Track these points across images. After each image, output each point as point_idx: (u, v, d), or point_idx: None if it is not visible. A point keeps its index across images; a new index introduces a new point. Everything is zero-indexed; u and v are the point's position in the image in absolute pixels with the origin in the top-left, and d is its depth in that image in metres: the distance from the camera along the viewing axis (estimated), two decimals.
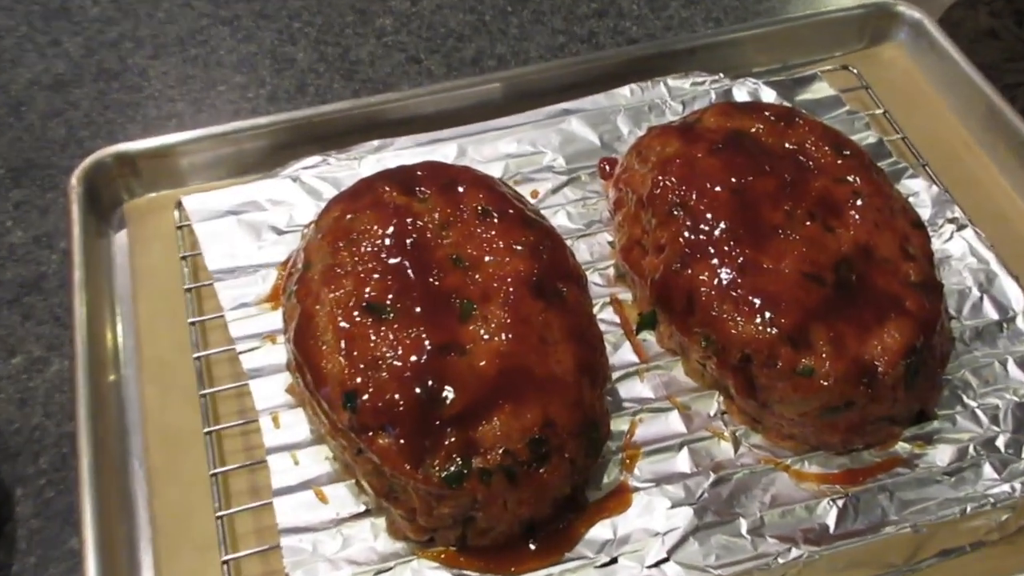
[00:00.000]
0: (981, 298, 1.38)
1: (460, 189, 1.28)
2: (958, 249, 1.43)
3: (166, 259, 1.45)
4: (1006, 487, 1.21)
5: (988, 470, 1.23)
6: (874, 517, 1.19)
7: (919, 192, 1.49)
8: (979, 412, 1.28)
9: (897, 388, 1.19)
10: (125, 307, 1.42)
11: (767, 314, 1.18)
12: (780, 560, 1.15)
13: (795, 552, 1.16)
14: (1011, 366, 1.32)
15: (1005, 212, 1.57)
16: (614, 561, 1.15)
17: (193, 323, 1.36)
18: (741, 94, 1.62)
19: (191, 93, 1.75)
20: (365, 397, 1.10)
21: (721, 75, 1.65)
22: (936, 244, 1.40)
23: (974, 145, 1.66)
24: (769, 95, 1.61)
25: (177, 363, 1.34)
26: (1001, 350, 1.34)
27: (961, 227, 1.45)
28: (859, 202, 1.29)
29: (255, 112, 1.71)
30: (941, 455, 1.24)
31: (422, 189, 1.28)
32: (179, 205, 1.47)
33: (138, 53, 1.81)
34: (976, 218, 1.47)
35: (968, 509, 1.19)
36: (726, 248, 1.23)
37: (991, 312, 1.37)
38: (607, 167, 1.51)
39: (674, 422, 1.27)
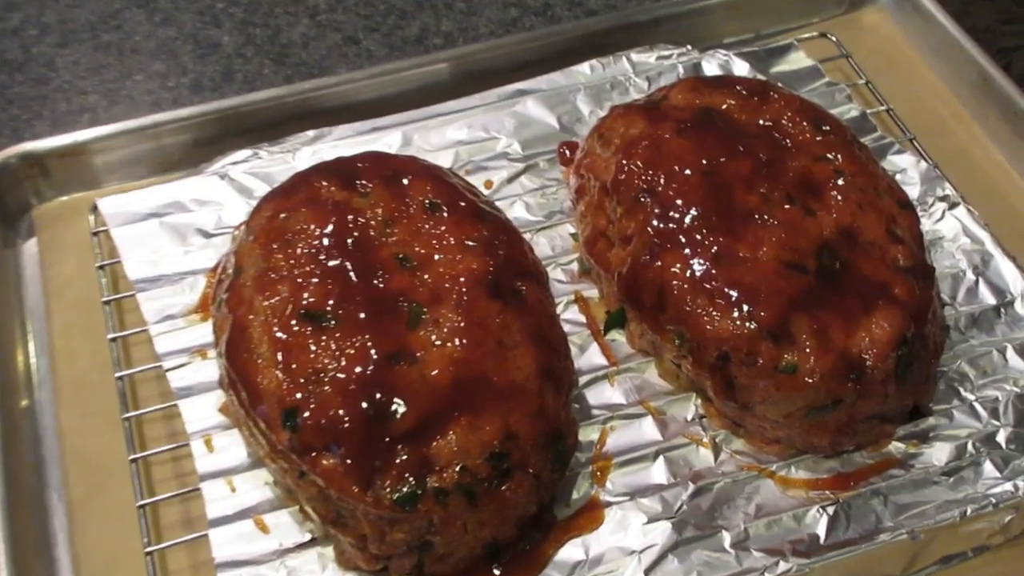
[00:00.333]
0: (976, 282, 1.41)
1: (405, 181, 1.28)
2: (950, 229, 1.45)
3: (81, 269, 1.44)
4: (1008, 486, 1.23)
5: (989, 468, 1.24)
6: (868, 524, 1.20)
7: (906, 169, 1.52)
8: (977, 406, 1.30)
9: (888, 383, 1.21)
10: (37, 323, 1.41)
11: (745, 307, 1.19)
12: (767, 575, 1.16)
13: (783, 565, 1.17)
14: (1010, 354, 1.34)
15: (1000, 187, 1.59)
16: None
17: (114, 339, 1.35)
18: (711, 67, 1.63)
19: (105, 84, 1.74)
20: (306, 414, 1.10)
21: (689, 47, 1.66)
22: (926, 225, 1.42)
23: (965, 116, 1.68)
24: (741, 68, 1.63)
25: (97, 384, 1.34)
26: (999, 337, 1.36)
27: (953, 205, 1.47)
28: (841, 182, 1.30)
29: (177, 103, 1.70)
30: (938, 454, 1.26)
31: (363, 183, 1.28)
32: (94, 209, 1.45)
33: (44, 41, 1.80)
34: (969, 195, 1.49)
35: (969, 511, 1.21)
36: (698, 237, 1.24)
37: (987, 296, 1.39)
38: (567, 152, 1.52)
39: (648, 429, 1.28)
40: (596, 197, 1.37)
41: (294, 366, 1.12)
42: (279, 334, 1.14)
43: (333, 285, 1.17)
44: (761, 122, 1.38)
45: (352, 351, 1.12)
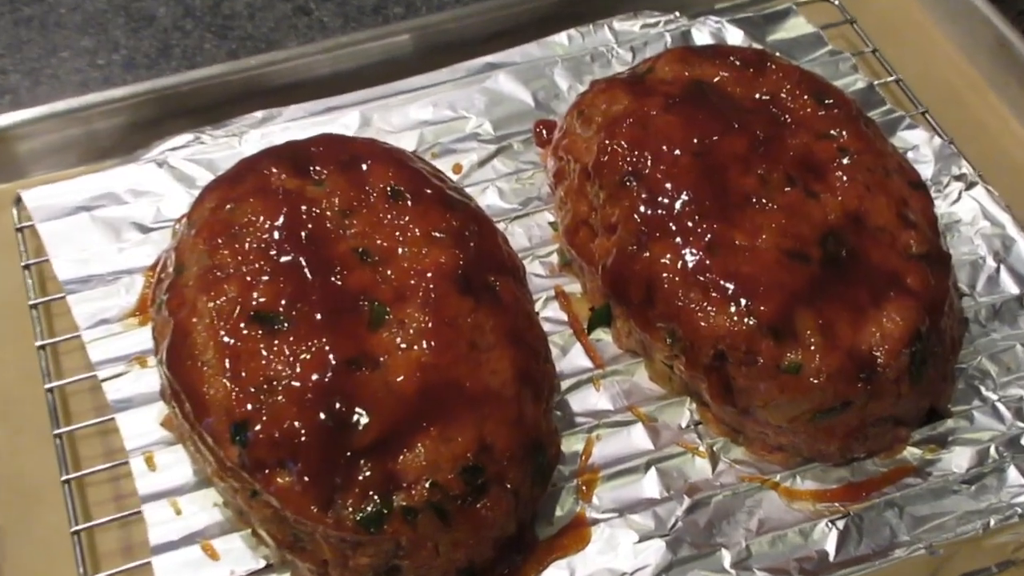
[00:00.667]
0: (997, 269, 1.41)
1: (364, 167, 1.28)
2: (967, 211, 1.46)
3: (4, 269, 1.43)
4: None
5: (1014, 474, 1.25)
6: (882, 539, 1.21)
7: (919, 145, 1.52)
8: (1000, 406, 1.30)
9: (901, 382, 1.21)
10: None
11: (743, 301, 1.20)
12: None
13: None
14: None
15: (1022, 164, 1.60)
16: None
17: (42, 347, 1.35)
18: (702, 36, 1.64)
19: (27, 62, 1.73)
20: (258, 427, 1.09)
21: (677, 14, 1.67)
22: (941, 207, 1.43)
23: (982, 86, 1.69)
24: (735, 36, 1.63)
25: (24, 397, 1.33)
26: (1023, 330, 1.37)
27: (970, 185, 1.48)
28: (846, 161, 1.30)
29: (108, 83, 1.70)
30: (957, 460, 1.27)
31: (318, 169, 1.28)
32: (18, 201, 1.45)
33: None
34: (988, 173, 1.50)
35: (992, 523, 1.21)
36: (690, 224, 1.24)
37: (1010, 285, 1.40)
38: (544, 132, 1.52)
39: (638, 438, 1.28)
40: (577, 181, 1.38)
41: (243, 374, 1.11)
42: (226, 339, 1.14)
43: (285, 283, 1.17)
44: (757, 96, 1.38)
45: (308, 356, 1.12)
